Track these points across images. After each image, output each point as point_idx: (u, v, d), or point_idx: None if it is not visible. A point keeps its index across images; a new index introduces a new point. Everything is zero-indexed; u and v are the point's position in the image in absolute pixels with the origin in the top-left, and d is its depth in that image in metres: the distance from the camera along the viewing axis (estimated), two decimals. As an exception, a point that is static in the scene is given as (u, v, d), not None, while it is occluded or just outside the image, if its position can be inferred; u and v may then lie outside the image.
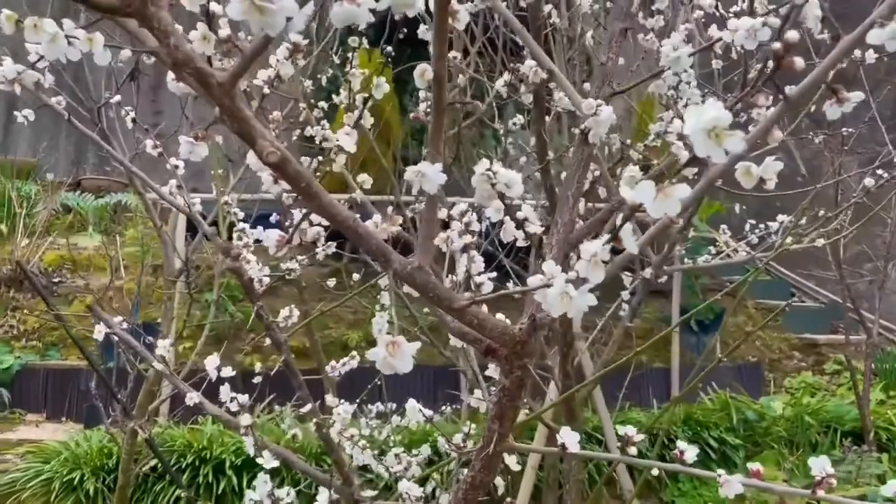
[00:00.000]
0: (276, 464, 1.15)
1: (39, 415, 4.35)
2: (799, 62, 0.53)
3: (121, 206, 5.65)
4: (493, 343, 0.91)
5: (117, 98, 1.50)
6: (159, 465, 3.23)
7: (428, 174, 0.68)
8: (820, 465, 0.82)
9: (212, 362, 1.17)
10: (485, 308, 0.89)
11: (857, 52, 1.71)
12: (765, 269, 6.49)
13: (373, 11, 0.60)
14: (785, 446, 4.28)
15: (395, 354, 0.60)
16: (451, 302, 0.79)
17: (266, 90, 0.88)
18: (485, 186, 0.75)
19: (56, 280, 4.91)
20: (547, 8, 1.61)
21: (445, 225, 1.10)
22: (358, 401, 2.34)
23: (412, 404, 1.14)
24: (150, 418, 3.43)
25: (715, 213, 5.12)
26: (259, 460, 1.15)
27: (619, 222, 0.61)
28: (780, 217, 2.68)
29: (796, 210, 2.50)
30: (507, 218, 1.03)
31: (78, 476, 3.45)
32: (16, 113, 1.26)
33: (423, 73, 0.72)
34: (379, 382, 2.32)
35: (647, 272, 2.42)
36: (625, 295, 2.65)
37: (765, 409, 4.54)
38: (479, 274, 1.04)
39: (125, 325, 1.83)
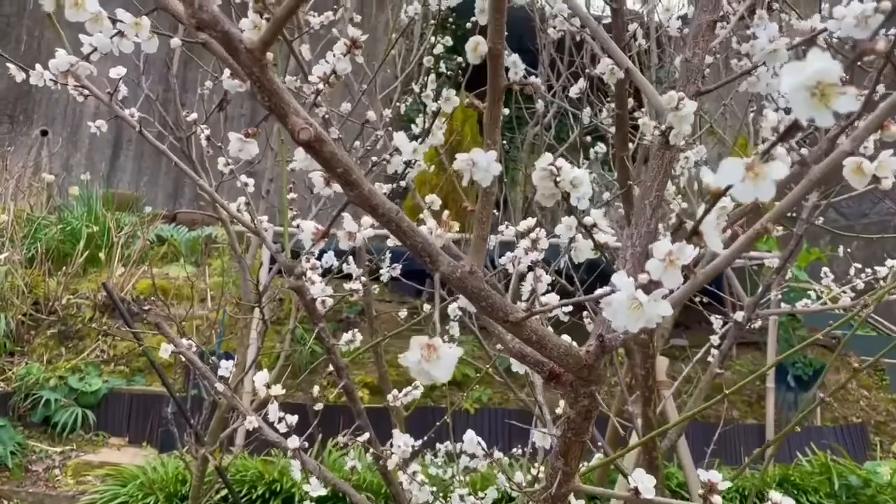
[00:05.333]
0: (323, 491, 1.08)
1: (122, 438, 4.44)
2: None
3: (210, 238, 5.81)
4: (556, 367, 0.82)
5: (193, 116, 1.50)
6: (230, 494, 3.21)
7: (480, 162, 0.61)
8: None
9: (261, 378, 1.11)
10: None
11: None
12: (871, 324, 6.06)
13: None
14: (893, 517, 3.93)
15: (432, 359, 0.52)
16: (507, 314, 0.70)
17: (321, 86, 0.83)
18: (547, 184, 0.66)
19: (146, 308, 5.05)
20: (632, 27, 1.52)
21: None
22: (425, 438, 2.25)
23: (470, 435, 1.05)
24: (223, 446, 3.43)
25: (815, 261, 4.84)
26: (306, 487, 1.08)
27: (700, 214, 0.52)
28: (890, 262, 2.47)
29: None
30: (580, 235, 0.94)
31: (152, 501, 3.48)
32: (89, 123, 1.27)
33: (476, 46, 0.64)
34: (448, 421, 2.22)
35: (739, 315, 2.25)
36: (714, 340, 2.48)
37: (870, 474, 4.19)
38: (545, 294, 0.95)
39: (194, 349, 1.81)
